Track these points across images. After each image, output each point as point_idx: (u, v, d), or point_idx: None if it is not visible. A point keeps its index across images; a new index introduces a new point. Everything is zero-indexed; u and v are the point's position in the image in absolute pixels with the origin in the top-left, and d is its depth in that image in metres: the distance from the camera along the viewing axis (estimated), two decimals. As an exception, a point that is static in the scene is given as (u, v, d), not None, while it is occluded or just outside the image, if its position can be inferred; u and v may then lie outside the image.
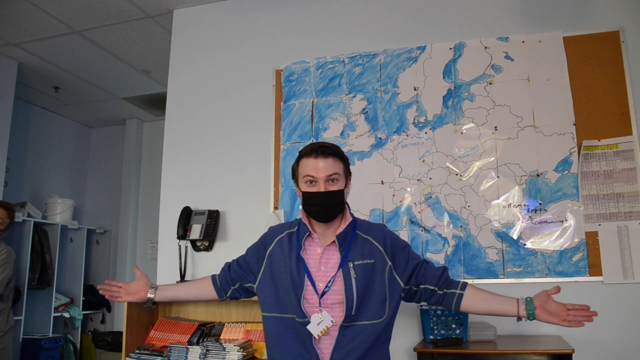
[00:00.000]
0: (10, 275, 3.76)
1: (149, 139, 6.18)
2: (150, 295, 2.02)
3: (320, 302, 1.71)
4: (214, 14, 3.66)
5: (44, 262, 5.05)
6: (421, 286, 1.83)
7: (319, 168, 1.74)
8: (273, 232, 1.93)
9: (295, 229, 1.87)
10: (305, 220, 1.83)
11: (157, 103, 5.53)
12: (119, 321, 5.58)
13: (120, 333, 4.99)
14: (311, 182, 1.76)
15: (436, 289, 1.82)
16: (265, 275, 1.85)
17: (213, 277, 2.05)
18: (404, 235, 2.88)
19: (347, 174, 1.84)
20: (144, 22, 3.95)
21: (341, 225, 1.80)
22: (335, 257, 1.77)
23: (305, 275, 1.75)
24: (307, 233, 1.82)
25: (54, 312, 5.10)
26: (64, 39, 4.23)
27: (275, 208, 3.17)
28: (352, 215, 1.85)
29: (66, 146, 6.17)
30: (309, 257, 1.79)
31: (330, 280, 1.73)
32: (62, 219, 5.37)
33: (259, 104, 3.38)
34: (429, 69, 3.08)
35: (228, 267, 2.02)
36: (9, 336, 3.78)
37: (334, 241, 1.79)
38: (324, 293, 1.72)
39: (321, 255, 1.78)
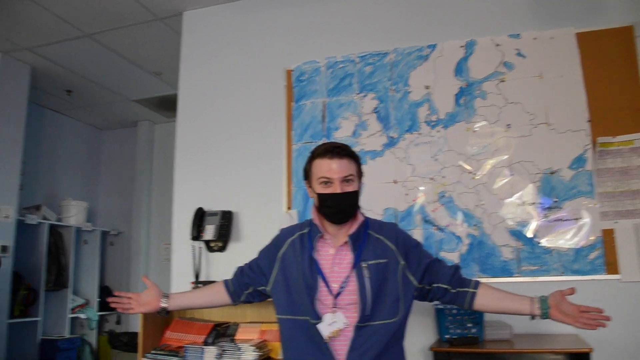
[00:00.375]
0: None
1: (161, 140, 6.17)
2: (163, 305, 1.99)
3: (334, 303, 1.71)
4: (224, 15, 3.66)
5: (59, 264, 5.09)
6: (434, 285, 1.82)
7: (334, 169, 1.73)
8: (284, 234, 1.93)
9: (307, 230, 1.85)
10: (317, 221, 1.82)
11: (168, 105, 5.50)
12: (135, 322, 5.58)
13: (136, 334, 4.96)
14: (326, 183, 1.75)
15: (449, 287, 1.81)
16: (278, 278, 1.85)
17: (225, 282, 2.03)
18: (417, 234, 2.87)
19: (360, 174, 1.83)
20: (153, 24, 3.97)
21: (353, 226, 1.80)
22: (348, 257, 1.77)
23: (319, 277, 1.74)
24: (319, 234, 1.81)
25: (70, 314, 5.17)
26: (75, 42, 4.24)
27: (289, 208, 3.17)
28: (363, 214, 1.85)
29: (79, 149, 6.18)
30: (322, 258, 1.78)
31: (344, 281, 1.72)
32: (76, 221, 5.40)
33: (270, 104, 3.38)
34: (440, 67, 3.06)
35: (240, 271, 2.02)
36: None
37: (346, 242, 1.78)
38: (338, 294, 1.72)
39: (334, 256, 1.77)
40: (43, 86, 5.08)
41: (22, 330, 4.67)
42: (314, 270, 1.76)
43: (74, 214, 5.39)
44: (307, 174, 1.84)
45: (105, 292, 5.75)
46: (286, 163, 3.25)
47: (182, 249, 3.35)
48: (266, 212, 3.21)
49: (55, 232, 5.17)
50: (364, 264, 1.74)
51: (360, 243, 1.78)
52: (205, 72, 3.62)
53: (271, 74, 3.42)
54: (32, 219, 4.80)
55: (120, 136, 6.42)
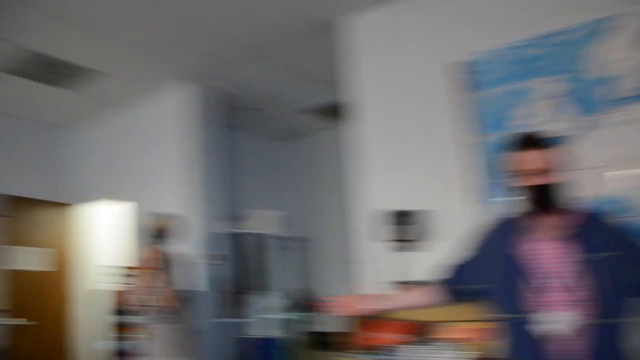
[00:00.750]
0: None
1: (338, 146, 6.15)
2: (379, 307, 2.04)
3: (558, 301, 1.63)
4: (384, 17, 3.68)
5: (263, 269, 5.41)
6: None
7: (534, 160, 1.67)
8: (494, 227, 1.88)
9: (518, 223, 1.78)
10: (525, 214, 1.75)
11: (332, 112, 5.68)
12: (332, 322, 5.50)
13: (335, 333, 5.13)
14: (527, 175, 1.68)
15: None
16: (494, 274, 1.79)
17: (440, 281, 1.99)
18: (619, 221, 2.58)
19: (562, 163, 1.72)
20: (315, 33, 4.06)
21: (568, 217, 1.71)
22: (569, 251, 1.67)
23: (538, 274, 1.67)
24: (530, 226, 1.74)
25: (271, 315, 5.39)
26: (250, 65, 4.54)
27: (479, 203, 3.07)
28: (580, 205, 1.77)
29: (261, 162, 6.48)
30: (538, 252, 1.70)
31: (566, 276, 1.64)
32: (272, 229, 5.56)
33: (445, 98, 3.31)
34: (628, 38, 2.77)
35: (454, 269, 1.97)
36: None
37: (563, 234, 1.69)
38: (562, 290, 1.64)
39: (553, 250, 1.69)
40: (227, 107, 5.36)
41: (228, 329, 4.97)
42: (530, 267, 1.72)
43: (270, 224, 5.58)
44: (505, 165, 1.79)
45: (301, 294, 5.94)
46: (472, 157, 3.15)
47: (376, 250, 3.38)
48: (459, 209, 3.16)
49: (256, 241, 5.45)
50: (585, 257, 1.66)
51: (583, 236, 1.71)
52: (376, 73, 3.66)
53: (440, 68, 3.36)
54: (238, 229, 5.11)
55: (301, 146, 6.63)
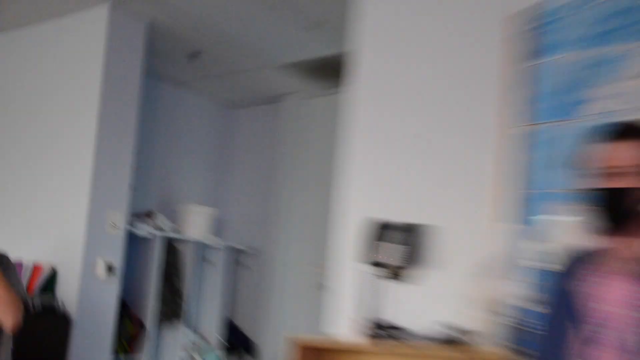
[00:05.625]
0: None
1: (314, 121, 5.37)
2: None
3: None
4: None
5: (172, 289, 4.67)
6: None
7: (623, 157, 1.49)
8: (577, 261, 1.67)
9: (593, 252, 1.62)
10: (600, 240, 1.60)
11: (326, 71, 4.82)
12: None
13: None
14: (610, 174, 1.49)
15: None
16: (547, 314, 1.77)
17: None
18: None
19: None
20: None
21: None
22: None
23: (595, 318, 1.50)
24: (599, 253, 1.59)
25: (184, 355, 4.77)
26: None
27: (509, 221, 2.59)
28: None
29: (204, 134, 5.60)
30: (601, 290, 1.52)
31: (628, 330, 1.45)
32: (197, 233, 4.86)
33: (490, 66, 2.77)
34: None
35: None
36: None
37: None
38: (617, 348, 1.46)
39: (621, 290, 1.50)
40: (161, 49, 4.49)
41: None
42: (598, 311, 1.58)
43: (196, 224, 4.89)
44: (581, 163, 1.66)
45: (230, 329, 5.24)
46: (510, 156, 2.63)
47: (348, 275, 2.95)
48: (475, 227, 2.71)
49: (170, 247, 4.73)
50: None
51: None
52: (390, 24, 3.16)
53: (490, 22, 2.80)
54: (143, 228, 4.33)
55: (258, 116, 5.77)
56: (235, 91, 5.49)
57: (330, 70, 4.70)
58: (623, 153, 1.50)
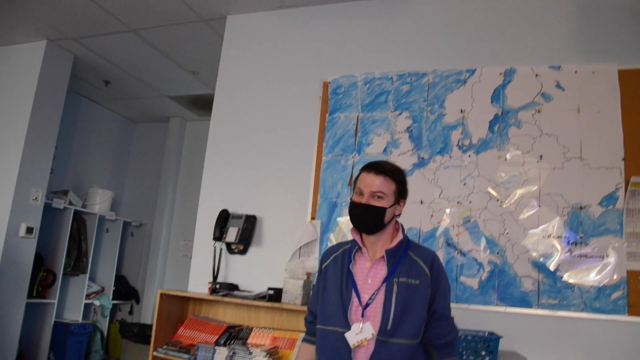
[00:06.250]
0: None
1: (191, 138, 6.21)
2: None
3: (363, 314, 1.75)
4: (267, 22, 3.68)
5: (80, 250, 5.12)
6: (426, 333, 1.80)
7: (368, 183, 1.80)
8: (329, 250, 2.00)
9: (349, 246, 1.92)
10: (355, 236, 1.88)
11: (201, 104, 5.57)
12: (147, 313, 5.65)
13: (147, 325, 5.21)
14: (359, 193, 1.82)
15: (432, 349, 1.80)
16: (320, 290, 1.91)
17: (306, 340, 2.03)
18: (439, 256, 2.82)
19: (399, 196, 1.86)
20: (197, 25, 4.00)
21: (392, 242, 1.84)
22: (382, 271, 1.81)
23: (352, 288, 1.80)
24: (357, 247, 1.87)
25: (85, 299, 5.19)
26: (119, 36, 4.30)
27: (312, 218, 3.17)
28: (405, 235, 1.89)
29: (111, 139, 6.25)
30: (358, 270, 1.84)
31: (374, 293, 1.76)
32: (100, 209, 5.43)
33: (304, 114, 3.37)
34: (477, 92, 3.05)
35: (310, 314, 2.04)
36: None
37: (382, 256, 1.82)
38: (367, 305, 1.76)
39: (369, 269, 1.82)
40: (83, 75, 5.13)
41: (38, 310, 4.72)
42: (349, 281, 1.82)
43: (99, 202, 5.42)
44: (354, 186, 1.90)
45: (121, 281, 5.78)
46: (314, 173, 3.25)
47: (203, 248, 3.35)
48: (290, 220, 3.22)
49: (79, 218, 5.21)
50: (395, 280, 1.78)
51: (396, 260, 1.81)
52: (243, 75, 3.63)
53: (308, 84, 3.42)
54: (59, 203, 4.81)
55: (152, 130, 6.45)
56: (136, 110, 6.19)
57: (203, 103, 5.44)
58: (375, 182, 1.79)
